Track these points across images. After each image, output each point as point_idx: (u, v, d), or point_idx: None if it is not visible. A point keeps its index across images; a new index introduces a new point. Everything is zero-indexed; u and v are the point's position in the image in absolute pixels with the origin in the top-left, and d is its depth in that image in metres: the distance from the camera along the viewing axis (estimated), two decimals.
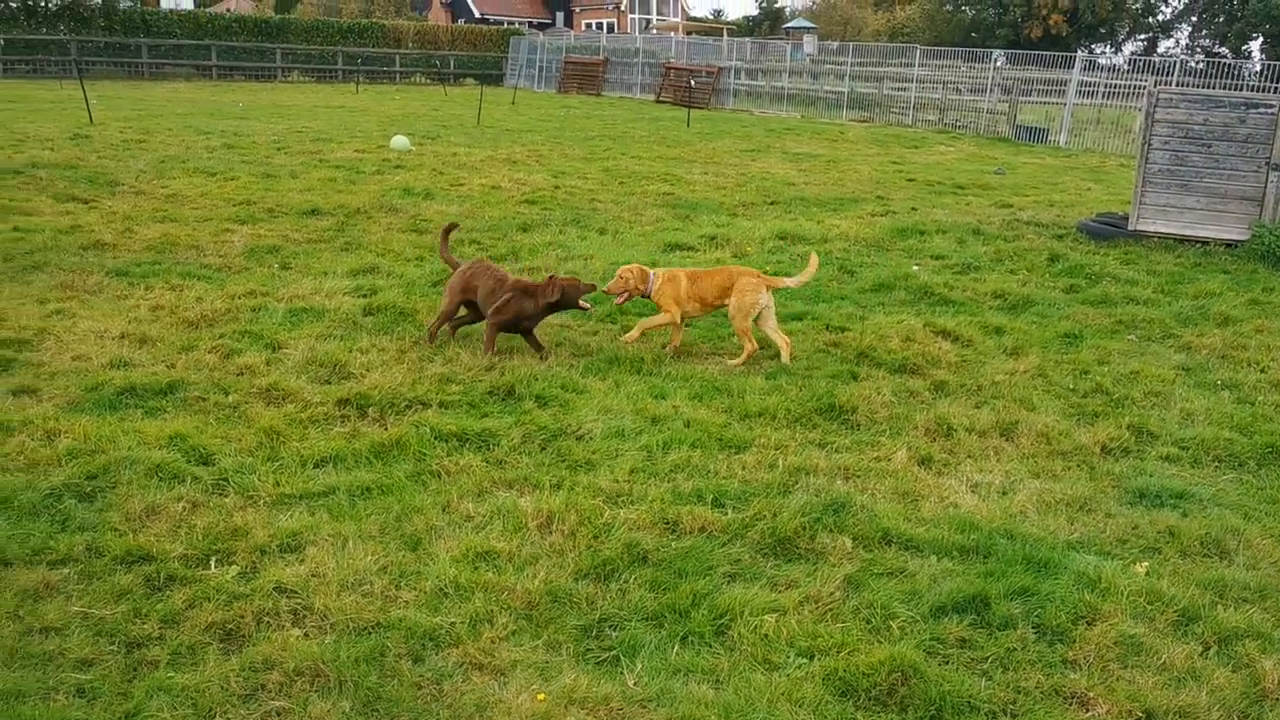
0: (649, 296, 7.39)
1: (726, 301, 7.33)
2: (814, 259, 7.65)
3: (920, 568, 4.52)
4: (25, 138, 17.62)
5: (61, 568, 4.22)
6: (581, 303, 7.26)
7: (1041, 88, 30.37)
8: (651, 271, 7.46)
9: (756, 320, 7.30)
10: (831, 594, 4.25)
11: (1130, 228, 12.22)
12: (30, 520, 4.56)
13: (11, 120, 20.73)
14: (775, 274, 9.87)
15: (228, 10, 55.38)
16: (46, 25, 40.84)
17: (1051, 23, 63.24)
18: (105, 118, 21.90)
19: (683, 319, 7.43)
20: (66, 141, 17.42)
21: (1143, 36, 72.18)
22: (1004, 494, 5.34)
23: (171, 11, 46.49)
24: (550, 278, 7.23)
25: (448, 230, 7.81)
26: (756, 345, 7.32)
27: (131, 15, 42.96)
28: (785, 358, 7.26)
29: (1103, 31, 68.33)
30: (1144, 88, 25.90)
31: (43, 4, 40.76)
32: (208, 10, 53.68)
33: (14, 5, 40.13)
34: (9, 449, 5.23)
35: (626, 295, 7.39)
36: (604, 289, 7.60)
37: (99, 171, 14.30)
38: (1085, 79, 27.96)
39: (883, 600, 4.22)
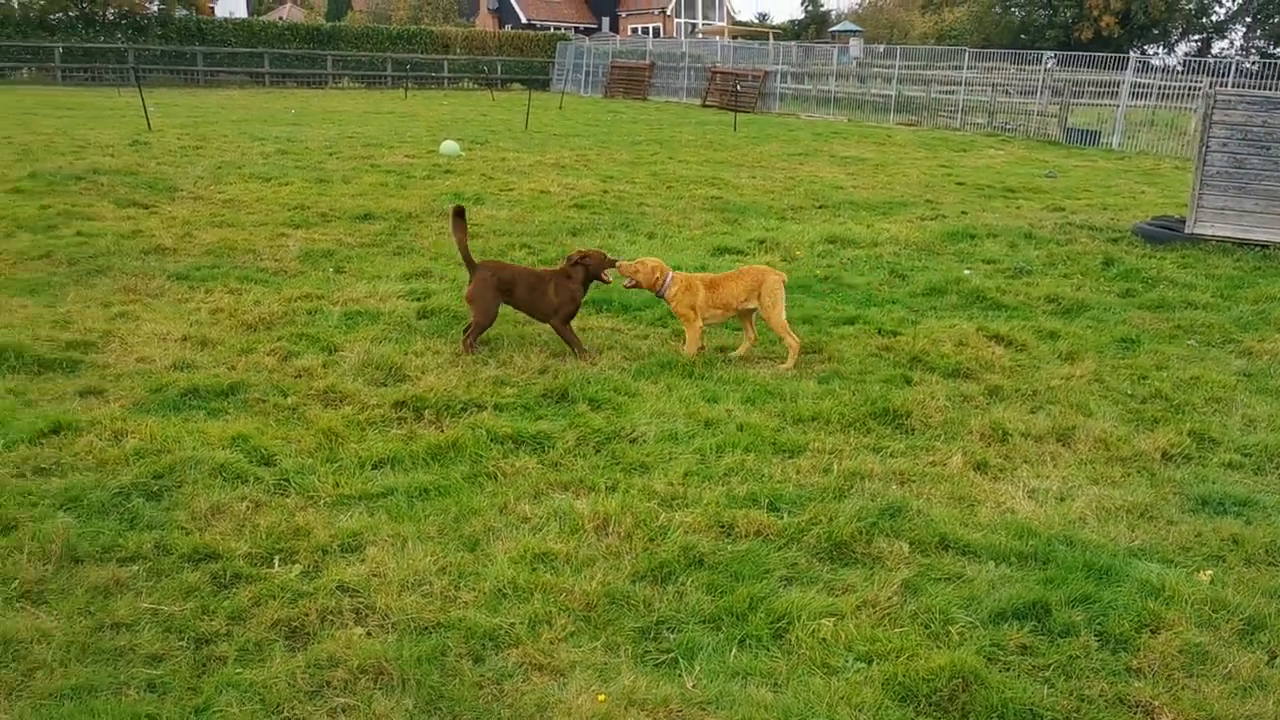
0: (663, 296, 7.36)
1: (751, 304, 7.24)
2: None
3: (978, 573, 4.50)
4: (86, 144, 17.98)
5: (131, 565, 4.31)
6: (604, 275, 7.37)
7: (1093, 90, 30.00)
8: (670, 273, 7.39)
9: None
10: (889, 599, 4.24)
11: (1187, 231, 12.05)
12: (100, 518, 4.66)
13: (72, 127, 21.17)
14: (825, 279, 9.88)
15: (280, 19, 56.15)
16: (104, 34, 41.64)
17: (1103, 24, 62.40)
18: (163, 124, 22.29)
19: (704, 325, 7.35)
20: (126, 148, 17.76)
21: (1196, 37, 71.05)
22: (1062, 500, 5.29)
23: (226, 20, 47.27)
24: (572, 256, 7.34)
25: (459, 214, 7.60)
26: (798, 338, 7.34)
27: (187, 24, 43.75)
28: (792, 357, 7.23)
29: (1155, 32, 67.33)
30: (1198, 89, 25.56)
31: (100, 13, 41.55)
32: (261, 19, 54.43)
33: (73, 14, 40.95)
34: (79, 449, 5.35)
35: (634, 283, 7.37)
36: (618, 265, 7.53)
37: (158, 177, 14.56)
38: (1138, 80, 27.59)
39: (941, 605, 4.20)
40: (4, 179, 13.80)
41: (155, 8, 43.50)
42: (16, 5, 41.13)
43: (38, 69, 39.82)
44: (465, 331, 7.39)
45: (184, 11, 44.77)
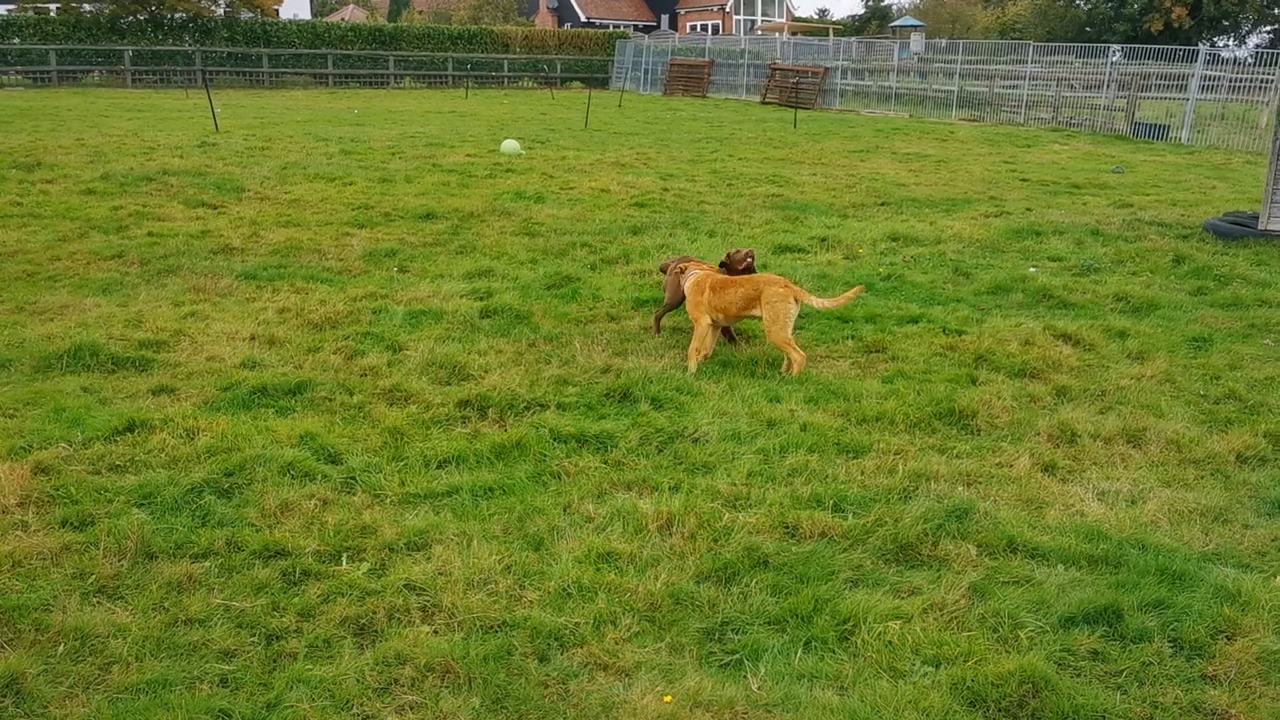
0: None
1: (752, 312, 7.03)
2: (857, 289, 7.41)
3: (1047, 577, 4.43)
4: (156, 146, 18.35)
5: (203, 561, 4.39)
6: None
7: (1161, 83, 29.39)
8: (691, 269, 7.36)
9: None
10: (956, 602, 4.19)
11: (1261, 227, 11.76)
12: (173, 515, 4.76)
13: (142, 129, 21.61)
14: (888, 277, 9.79)
15: (342, 20, 56.85)
16: (172, 36, 42.45)
17: (1174, 15, 61.15)
18: (229, 125, 22.68)
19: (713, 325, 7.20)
20: (194, 149, 18.09)
21: (1268, 29, 69.34)
22: (1133, 503, 5.19)
23: (290, 22, 47.90)
24: (732, 254, 7.80)
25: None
26: (803, 353, 7.05)
27: (253, 26, 44.44)
28: (795, 370, 6.93)
29: (1225, 24, 65.85)
30: (1271, 82, 24.96)
31: (168, 16, 42.37)
32: (324, 20, 55.15)
33: (141, 18, 41.81)
34: (152, 446, 5.46)
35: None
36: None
37: (226, 178, 14.82)
38: (1208, 73, 26.99)
39: (1009, 609, 4.15)
40: (78, 180, 14.14)
41: (221, 10, 44.23)
42: (89, 8, 42.07)
43: (108, 71, 40.70)
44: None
45: (249, 14, 45.48)
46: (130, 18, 41.66)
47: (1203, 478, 5.54)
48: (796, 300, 6.95)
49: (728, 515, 4.85)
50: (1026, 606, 4.18)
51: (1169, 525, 4.95)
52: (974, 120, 31.96)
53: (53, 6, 42.77)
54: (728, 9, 73.58)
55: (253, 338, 7.46)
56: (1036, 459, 5.67)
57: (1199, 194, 16.32)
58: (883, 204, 14.57)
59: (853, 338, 7.82)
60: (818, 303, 7.06)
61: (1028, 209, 14.19)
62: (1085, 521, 4.94)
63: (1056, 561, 4.57)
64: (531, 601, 4.16)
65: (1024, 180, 17.56)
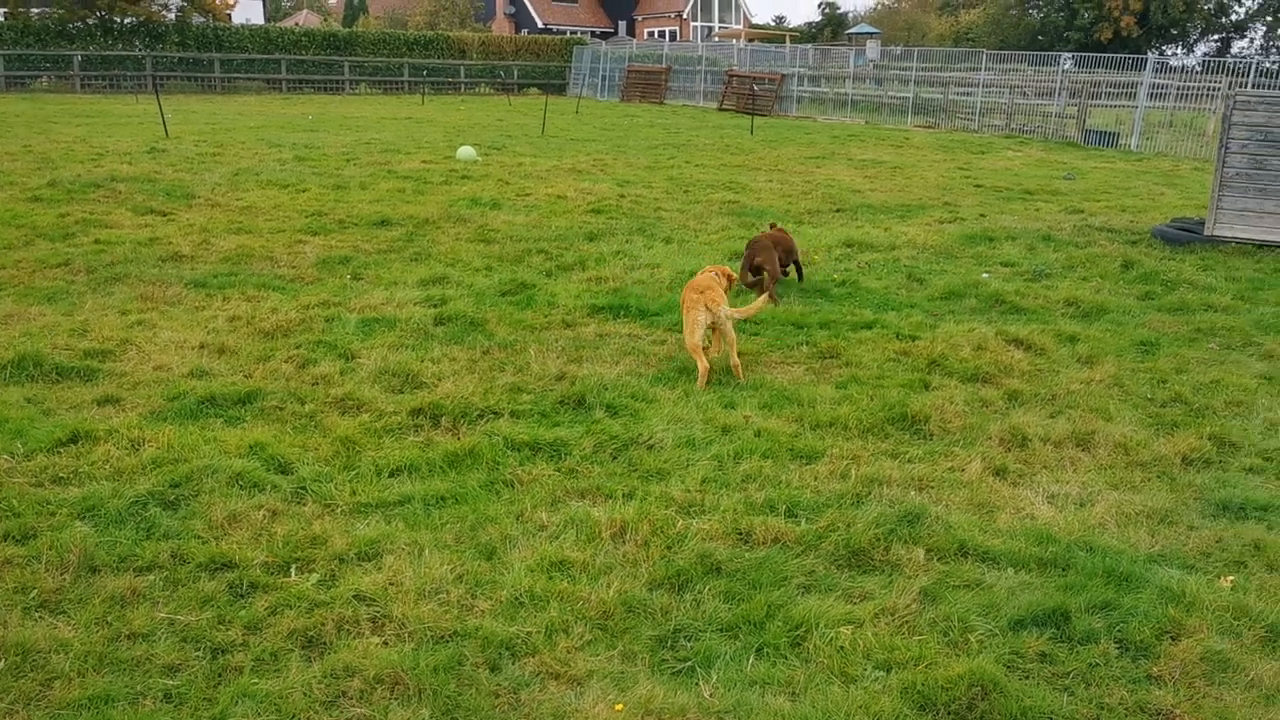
0: None
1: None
2: (760, 301, 7.29)
3: (997, 580, 4.46)
4: (104, 152, 18.10)
5: (148, 574, 4.32)
6: None
7: (1111, 91, 29.84)
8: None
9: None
10: (908, 606, 4.21)
11: (1207, 233, 11.96)
12: (117, 528, 4.68)
13: (90, 135, 21.31)
14: (843, 283, 9.85)
15: (297, 25, 56.40)
16: (122, 41, 41.89)
17: (1123, 24, 62.11)
18: (180, 131, 22.42)
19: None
20: (144, 155, 17.86)
21: (1215, 37, 70.63)
22: (1082, 505, 5.25)
23: (243, 27, 47.45)
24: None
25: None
26: (706, 364, 6.85)
27: (204, 31, 43.94)
28: (699, 382, 6.79)
29: (1174, 33, 66.98)
30: (1218, 90, 25.40)
31: (118, 20, 41.81)
32: (278, 25, 54.69)
33: (90, 22, 41.22)
34: (96, 457, 5.37)
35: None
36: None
37: (176, 184, 14.64)
38: (1157, 81, 27.43)
39: (960, 613, 4.17)
40: (24, 187, 13.90)
41: (172, 15, 43.69)
42: (37, 13, 41.43)
43: (57, 77, 40.09)
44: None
45: (201, 18, 44.98)
46: (79, 22, 41.07)
47: (1149, 480, 5.61)
48: (708, 308, 6.83)
49: (681, 522, 4.85)
50: (977, 610, 4.21)
51: (1116, 527, 5.01)
52: (929, 127, 32.26)
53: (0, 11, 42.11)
54: (685, 15, 73.86)
55: (202, 346, 7.36)
56: (988, 463, 5.71)
57: (1148, 200, 16.57)
58: (838, 210, 14.66)
59: (807, 343, 7.85)
60: (724, 313, 6.87)
61: (981, 215, 14.34)
62: (1035, 524, 4.99)
63: (1006, 565, 4.60)
64: (483, 611, 4.13)
65: (978, 186, 17.74)
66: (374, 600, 4.16)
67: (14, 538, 4.56)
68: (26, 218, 11.86)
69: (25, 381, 6.55)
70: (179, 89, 40.89)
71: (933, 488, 5.38)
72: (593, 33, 68.55)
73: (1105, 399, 6.81)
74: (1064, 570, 4.54)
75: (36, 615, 4.01)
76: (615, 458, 5.68)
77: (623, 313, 8.56)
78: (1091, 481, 5.56)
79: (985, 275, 10.31)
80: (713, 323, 6.88)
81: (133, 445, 5.53)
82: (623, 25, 76.56)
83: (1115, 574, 4.47)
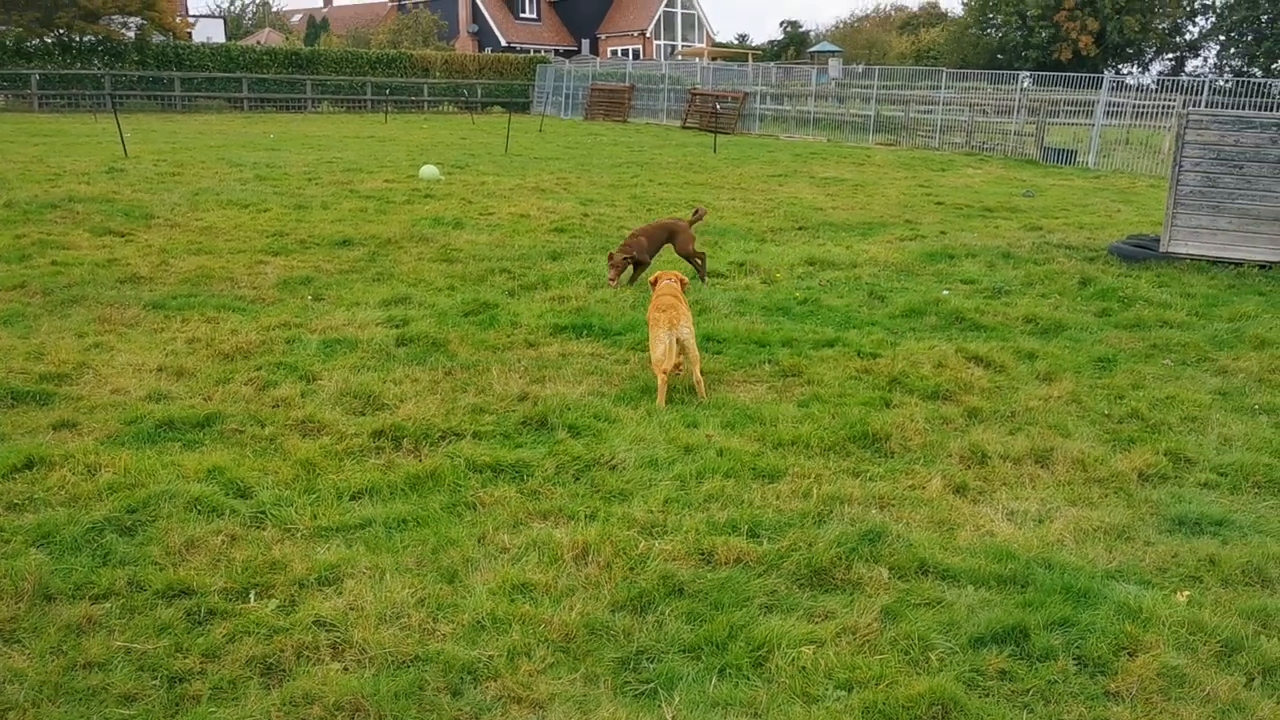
0: None
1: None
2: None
3: (958, 598, 4.49)
4: (62, 172, 17.91)
5: (104, 602, 4.26)
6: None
7: (1069, 109, 30.29)
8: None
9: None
10: (869, 625, 4.23)
11: (1162, 250, 12.14)
12: (73, 555, 4.61)
13: (48, 154, 21.09)
14: (805, 301, 9.90)
15: (258, 43, 56.14)
16: (81, 60, 41.51)
17: (1080, 44, 63.05)
18: (139, 151, 22.23)
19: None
20: (102, 175, 17.69)
21: (1170, 56, 71.89)
22: (1040, 522, 5.30)
23: (203, 45, 47.17)
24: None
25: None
26: (663, 377, 6.87)
27: (164, 49, 43.65)
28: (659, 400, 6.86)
29: (1130, 52, 68.09)
30: (1173, 108, 25.83)
31: (77, 39, 41.44)
32: (239, 44, 54.41)
33: (49, 40, 40.83)
34: (51, 483, 5.29)
35: None
36: None
37: (134, 205, 14.51)
38: (1113, 100, 27.86)
39: (921, 631, 4.19)
40: None
41: (132, 33, 43.37)
42: None
43: (14, 96, 39.67)
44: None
45: (161, 37, 44.67)
46: (37, 40, 40.67)
47: (1107, 496, 5.67)
48: (670, 327, 6.84)
49: (644, 543, 4.84)
50: (937, 628, 4.23)
51: (1074, 544, 5.06)
52: (891, 144, 32.57)
53: None
54: (648, 34, 74.21)
55: (160, 369, 7.28)
56: (948, 480, 5.75)
57: (1105, 217, 16.80)
58: (800, 228, 14.75)
59: (769, 361, 7.88)
60: (686, 332, 6.90)
61: (942, 232, 14.48)
62: (995, 542, 5.03)
63: (966, 582, 4.63)
64: (445, 635, 4.11)
65: (938, 204, 17.92)
66: (334, 626, 4.12)
67: None
68: None
69: None
70: (139, 108, 40.58)
71: (894, 506, 5.41)
72: (556, 51, 68.71)
73: (1063, 415, 6.88)
74: (1023, 587, 4.58)
75: None
76: (578, 479, 5.67)
77: (585, 332, 8.56)
78: (1050, 498, 5.61)
79: (945, 292, 10.40)
80: (678, 339, 6.91)
81: (89, 470, 5.45)
82: (586, 44, 76.82)
83: (1073, 590, 4.51)
